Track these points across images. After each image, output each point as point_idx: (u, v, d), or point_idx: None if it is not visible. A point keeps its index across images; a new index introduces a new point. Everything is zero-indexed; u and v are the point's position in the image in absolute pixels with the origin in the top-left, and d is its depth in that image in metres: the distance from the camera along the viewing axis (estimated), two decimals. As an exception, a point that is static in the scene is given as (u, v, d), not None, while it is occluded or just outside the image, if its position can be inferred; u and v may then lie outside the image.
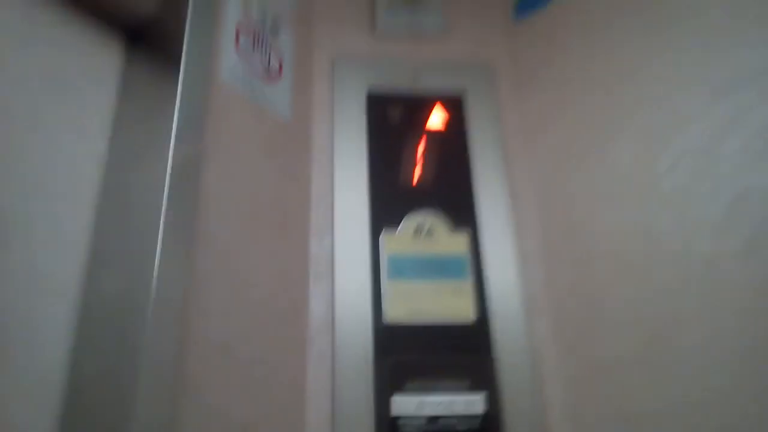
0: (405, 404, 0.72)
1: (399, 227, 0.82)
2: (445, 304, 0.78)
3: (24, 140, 0.59)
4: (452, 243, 0.82)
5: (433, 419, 0.72)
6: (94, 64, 0.71)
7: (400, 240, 0.82)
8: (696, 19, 0.72)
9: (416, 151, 0.88)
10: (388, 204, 0.84)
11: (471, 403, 0.73)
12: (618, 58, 0.80)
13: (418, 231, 0.82)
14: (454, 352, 0.76)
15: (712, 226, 0.66)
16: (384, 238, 0.81)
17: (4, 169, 0.56)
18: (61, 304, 0.59)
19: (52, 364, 0.57)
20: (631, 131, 0.76)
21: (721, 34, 0.69)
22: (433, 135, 0.89)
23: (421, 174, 0.87)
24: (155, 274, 0.55)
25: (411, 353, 0.75)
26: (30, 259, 0.57)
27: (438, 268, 0.80)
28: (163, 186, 0.59)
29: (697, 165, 0.68)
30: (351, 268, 0.79)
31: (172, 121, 0.62)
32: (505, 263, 0.82)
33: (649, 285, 0.70)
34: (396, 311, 0.77)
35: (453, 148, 0.89)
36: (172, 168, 0.60)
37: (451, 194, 0.86)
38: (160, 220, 0.57)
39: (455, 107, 0.92)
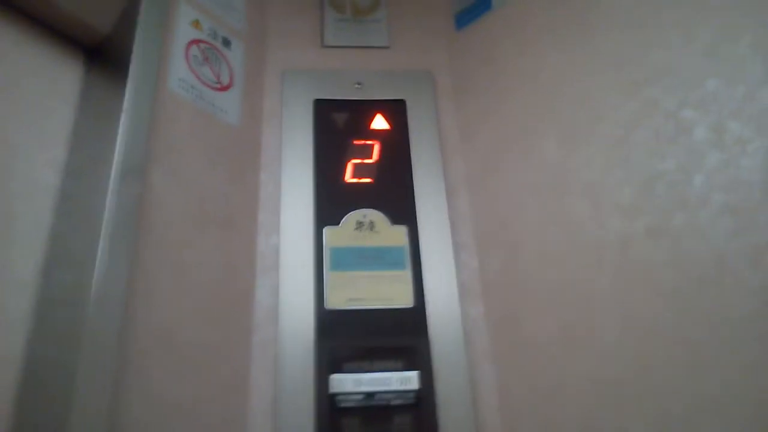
0: (343, 382, 0.77)
1: (341, 222, 0.88)
2: (384, 292, 0.83)
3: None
4: (392, 236, 0.88)
5: (370, 395, 0.76)
6: (56, 79, 0.77)
7: (342, 234, 0.87)
8: (614, 25, 0.78)
9: (359, 153, 0.94)
10: (332, 202, 0.90)
11: (406, 380, 0.77)
12: (543, 64, 0.87)
13: (359, 225, 0.88)
14: (391, 335, 0.81)
15: (624, 210, 0.71)
16: (327, 232, 0.87)
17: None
18: (21, 294, 0.64)
19: (11, 347, 0.62)
20: (553, 130, 0.82)
21: (634, 39, 0.75)
22: (376, 138, 0.95)
23: (364, 173, 0.92)
24: (98, 266, 0.60)
25: (351, 337, 0.80)
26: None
27: (378, 259, 0.86)
28: (114, 190, 0.64)
29: (610, 156, 0.74)
30: (296, 262, 0.85)
31: (118, 129, 0.68)
32: (441, 254, 0.87)
33: (568, 269, 0.75)
34: (337, 299, 0.82)
35: (394, 150, 0.95)
36: (119, 171, 0.65)
37: (392, 191, 0.92)
38: (104, 218, 0.62)
39: (396, 112, 0.98)
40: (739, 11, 0.66)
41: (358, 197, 0.90)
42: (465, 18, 1.05)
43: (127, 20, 0.78)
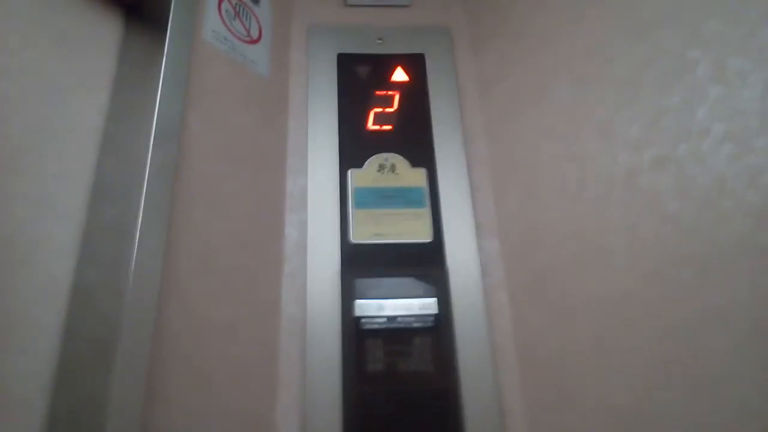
0: (367, 307, 0.83)
1: (365, 165, 0.93)
2: (405, 227, 0.89)
3: (36, 90, 0.71)
4: (412, 177, 0.93)
5: (392, 318, 0.82)
6: (97, 30, 0.82)
7: (365, 175, 0.93)
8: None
9: (381, 103, 0.99)
10: (356, 146, 0.96)
11: (425, 305, 0.83)
12: (556, 18, 0.91)
13: (381, 168, 0.93)
14: (411, 266, 0.87)
15: (632, 144, 0.75)
16: (351, 174, 0.93)
17: (20, 113, 0.67)
18: (67, 224, 0.70)
19: (59, 272, 0.67)
20: (566, 77, 0.86)
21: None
22: (396, 89, 1.01)
23: (386, 121, 0.98)
24: (143, 199, 0.66)
25: (374, 267, 0.86)
26: (41, 187, 0.68)
27: (399, 198, 0.91)
28: (152, 129, 0.70)
29: (620, 96, 0.78)
30: (322, 200, 0.91)
31: (160, 74, 0.74)
32: (459, 193, 0.93)
33: (580, 201, 0.79)
34: (361, 234, 0.88)
35: (414, 99, 1.00)
36: (160, 112, 0.71)
37: (412, 137, 0.97)
38: (148, 156, 0.68)
39: (416, 65, 1.04)
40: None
41: (380, 142, 0.96)
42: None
43: (164, -23, 0.84)
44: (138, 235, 0.64)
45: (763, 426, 0.57)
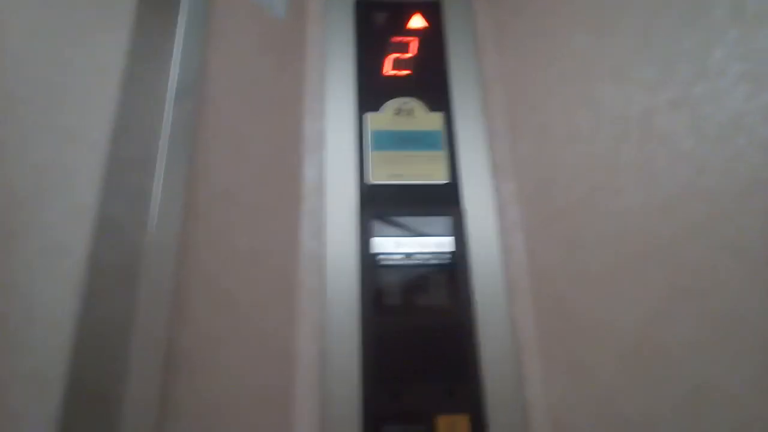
0: (384, 244, 0.85)
1: (382, 109, 0.95)
2: (422, 169, 0.91)
3: (58, 28, 0.72)
4: (429, 121, 0.95)
5: (409, 255, 0.84)
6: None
7: (382, 119, 0.94)
8: None
9: (399, 48, 1.00)
10: (374, 91, 0.97)
11: (441, 244, 0.85)
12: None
13: (398, 111, 0.94)
14: (428, 206, 0.89)
15: (647, 86, 0.76)
16: (369, 117, 0.94)
17: (44, 49, 0.68)
18: (92, 156, 0.71)
19: (86, 201, 0.69)
20: (581, 22, 0.87)
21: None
22: (414, 35, 1.02)
23: (403, 66, 0.99)
24: (168, 135, 0.69)
25: (391, 206, 0.88)
26: (64, 120, 0.69)
27: (416, 141, 0.93)
28: (176, 70, 0.72)
29: (634, 40, 0.78)
30: (340, 142, 0.92)
31: (180, 16, 0.76)
32: (476, 137, 0.94)
33: (595, 143, 0.81)
34: (378, 175, 0.90)
35: (432, 45, 1.01)
36: (179, 52, 0.73)
37: (429, 82, 0.98)
38: (166, 95, 0.70)
39: (434, 11, 1.04)
40: None
41: (397, 87, 0.98)
42: None
43: None
44: (162, 168, 0.66)
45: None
